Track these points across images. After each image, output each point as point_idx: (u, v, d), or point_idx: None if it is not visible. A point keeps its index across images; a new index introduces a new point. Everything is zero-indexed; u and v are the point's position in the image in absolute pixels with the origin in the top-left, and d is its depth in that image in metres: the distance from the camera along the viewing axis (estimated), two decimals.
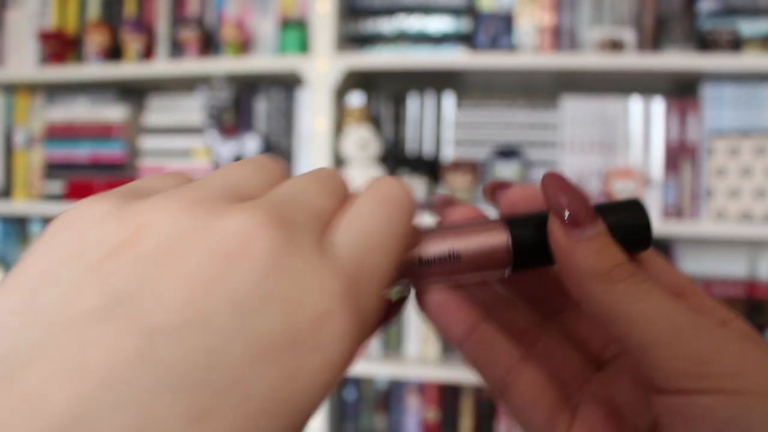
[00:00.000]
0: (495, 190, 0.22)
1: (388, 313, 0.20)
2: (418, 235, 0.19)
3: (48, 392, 0.11)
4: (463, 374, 1.08)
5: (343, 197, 0.18)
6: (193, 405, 0.12)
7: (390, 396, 1.19)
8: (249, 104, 1.23)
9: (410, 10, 1.16)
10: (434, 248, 0.18)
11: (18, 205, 1.27)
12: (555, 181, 0.19)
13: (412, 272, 0.19)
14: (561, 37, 1.13)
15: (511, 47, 1.12)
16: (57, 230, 0.14)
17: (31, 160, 1.34)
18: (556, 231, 0.19)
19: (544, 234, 0.19)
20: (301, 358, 0.13)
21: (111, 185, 1.22)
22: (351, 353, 0.14)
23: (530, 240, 0.19)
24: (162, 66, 1.20)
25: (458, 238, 0.18)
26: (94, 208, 0.14)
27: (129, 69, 1.21)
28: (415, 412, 1.18)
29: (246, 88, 1.25)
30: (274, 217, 0.14)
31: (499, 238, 0.19)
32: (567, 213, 0.19)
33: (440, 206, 0.22)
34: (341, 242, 0.15)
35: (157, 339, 0.12)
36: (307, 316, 0.13)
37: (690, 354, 0.17)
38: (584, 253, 0.19)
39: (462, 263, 0.18)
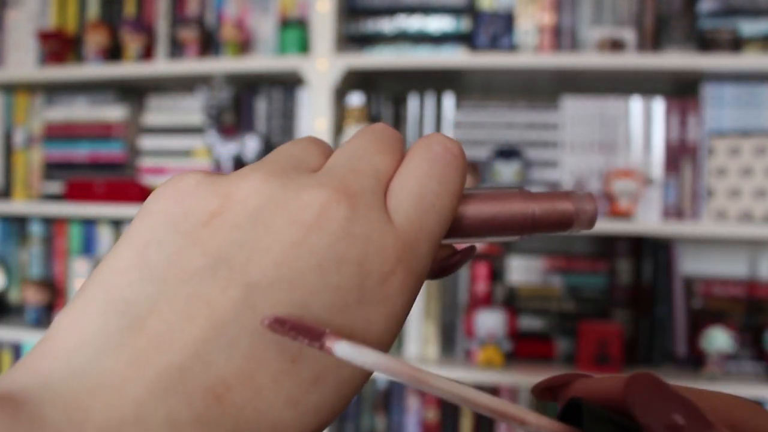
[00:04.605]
0: (550, 391, 0.19)
1: (453, 264, 0.21)
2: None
3: (170, 335, 0.13)
4: (463, 374, 1.08)
5: (400, 152, 0.19)
6: (288, 347, 0.14)
7: (390, 396, 1.19)
8: (249, 104, 1.23)
9: (410, 10, 1.15)
10: (478, 209, 0.20)
11: (18, 205, 1.27)
12: (651, 390, 0.15)
13: (452, 228, 0.20)
14: (561, 37, 1.13)
15: (511, 47, 1.12)
16: (155, 201, 0.16)
17: (31, 160, 1.34)
18: None
19: None
20: (370, 310, 0.15)
21: (110, 185, 1.22)
22: (409, 305, 0.17)
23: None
24: (162, 66, 1.20)
25: (494, 202, 0.20)
26: (187, 180, 0.16)
27: (129, 69, 1.21)
28: (415, 412, 1.18)
29: (246, 88, 1.25)
30: (341, 189, 0.16)
31: (523, 206, 0.20)
32: None
33: (553, 390, 0.19)
34: (398, 205, 0.17)
35: (255, 293, 0.14)
36: (373, 275, 0.16)
37: None
38: None
39: (494, 226, 0.20)
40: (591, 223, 0.20)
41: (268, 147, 1.21)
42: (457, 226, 0.19)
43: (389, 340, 0.16)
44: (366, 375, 0.16)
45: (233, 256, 0.14)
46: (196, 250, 0.15)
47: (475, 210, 0.19)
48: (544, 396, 0.20)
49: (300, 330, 0.14)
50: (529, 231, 0.20)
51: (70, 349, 0.13)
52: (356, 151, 0.18)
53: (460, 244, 0.21)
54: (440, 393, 0.15)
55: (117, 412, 0.12)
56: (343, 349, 0.14)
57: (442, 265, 0.21)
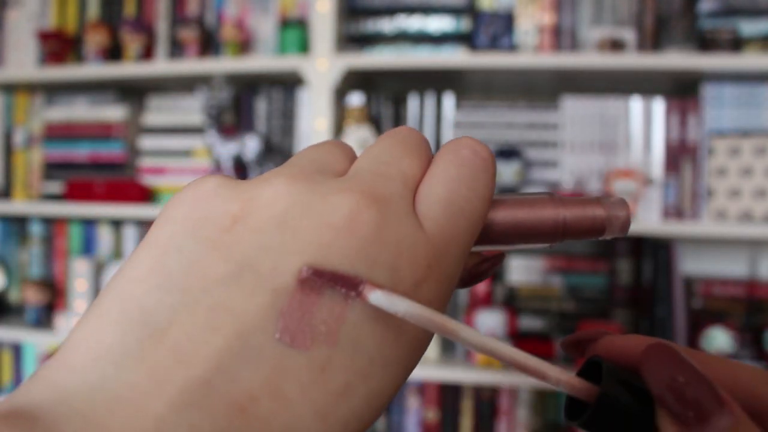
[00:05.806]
0: (579, 345, 0.20)
1: (482, 272, 0.20)
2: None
3: (192, 347, 0.13)
4: (463, 374, 1.08)
5: (427, 156, 0.18)
6: (316, 356, 0.13)
7: None
8: (249, 104, 1.23)
9: (410, 10, 1.15)
10: (508, 215, 0.19)
11: (18, 205, 1.27)
12: (665, 361, 0.15)
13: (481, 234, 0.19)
14: (561, 37, 1.13)
15: (511, 47, 1.12)
16: (174, 206, 0.16)
17: (31, 160, 1.34)
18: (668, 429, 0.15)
19: None
20: (403, 318, 0.15)
21: (110, 185, 1.22)
22: (442, 312, 0.16)
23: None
24: (162, 66, 1.20)
25: (524, 208, 0.19)
26: (206, 184, 0.16)
27: (129, 69, 1.21)
28: (415, 412, 1.18)
29: (246, 88, 1.25)
30: (369, 194, 0.15)
31: (553, 212, 0.20)
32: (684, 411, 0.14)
33: (581, 344, 0.20)
34: (427, 210, 0.16)
35: (283, 298, 0.14)
36: (405, 282, 0.15)
37: None
38: None
39: (524, 232, 0.19)
40: (624, 229, 0.20)
41: (268, 147, 1.21)
42: (486, 233, 0.19)
43: (422, 349, 0.16)
44: (395, 387, 0.15)
45: (259, 262, 0.14)
46: (217, 257, 0.14)
47: (505, 216, 0.19)
48: (571, 350, 0.20)
49: (338, 279, 0.14)
50: (561, 237, 0.20)
51: (87, 361, 0.13)
52: (382, 155, 0.17)
53: (489, 251, 0.20)
54: (468, 344, 0.15)
55: (137, 429, 0.12)
56: (377, 297, 0.14)
57: (472, 273, 0.20)
